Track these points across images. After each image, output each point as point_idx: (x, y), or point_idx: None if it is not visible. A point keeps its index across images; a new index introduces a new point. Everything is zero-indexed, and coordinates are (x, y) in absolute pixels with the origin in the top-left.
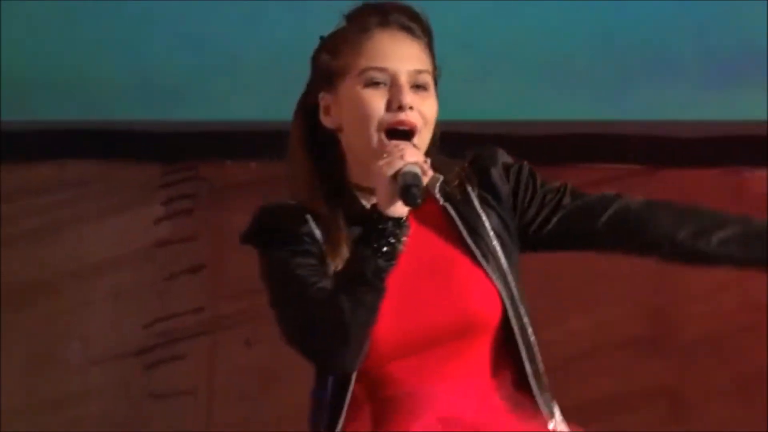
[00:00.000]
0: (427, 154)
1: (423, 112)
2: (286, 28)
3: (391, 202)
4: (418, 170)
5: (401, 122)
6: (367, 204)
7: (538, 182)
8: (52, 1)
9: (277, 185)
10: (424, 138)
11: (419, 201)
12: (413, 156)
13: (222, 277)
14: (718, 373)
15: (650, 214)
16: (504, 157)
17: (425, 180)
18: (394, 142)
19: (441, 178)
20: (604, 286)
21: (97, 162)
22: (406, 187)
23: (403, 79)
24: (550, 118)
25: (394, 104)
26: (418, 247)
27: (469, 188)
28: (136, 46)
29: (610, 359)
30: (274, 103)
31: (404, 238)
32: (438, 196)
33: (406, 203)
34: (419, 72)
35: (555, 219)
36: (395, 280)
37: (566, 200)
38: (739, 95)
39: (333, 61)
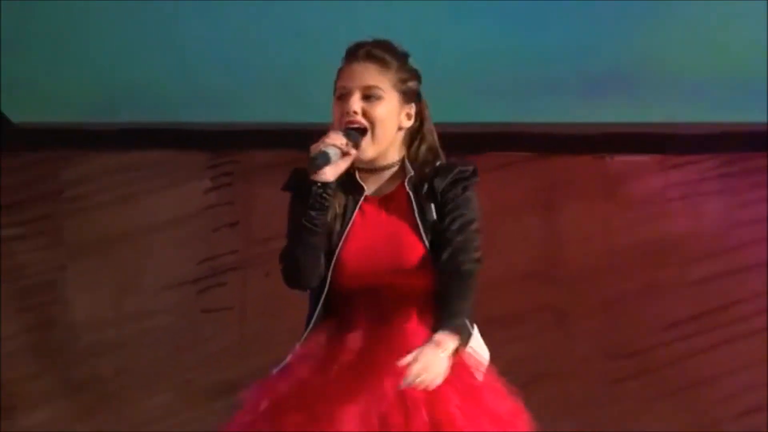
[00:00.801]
0: (417, 149)
1: (370, 114)
2: (293, 60)
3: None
4: (329, 150)
5: (350, 122)
6: (357, 175)
7: (455, 204)
8: (134, 36)
9: (290, 167)
10: (377, 132)
11: (313, 170)
12: (333, 140)
13: (251, 230)
14: (591, 296)
15: (441, 284)
16: (459, 174)
17: (347, 159)
18: (331, 131)
19: (411, 173)
20: (511, 235)
21: (165, 151)
22: (310, 159)
23: (355, 93)
24: (471, 120)
25: (344, 110)
26: (385, 217)
27: (427, 184)
28: (195, 73)
29: (514, 285)
30: (287, 110)
31: (328, 197)
32: (406, 185)
33: (308, 171)
34: (369, 87)
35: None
36: (364, 238)
37: (448, 229)
38: (604, 103)
39: (335, 83)
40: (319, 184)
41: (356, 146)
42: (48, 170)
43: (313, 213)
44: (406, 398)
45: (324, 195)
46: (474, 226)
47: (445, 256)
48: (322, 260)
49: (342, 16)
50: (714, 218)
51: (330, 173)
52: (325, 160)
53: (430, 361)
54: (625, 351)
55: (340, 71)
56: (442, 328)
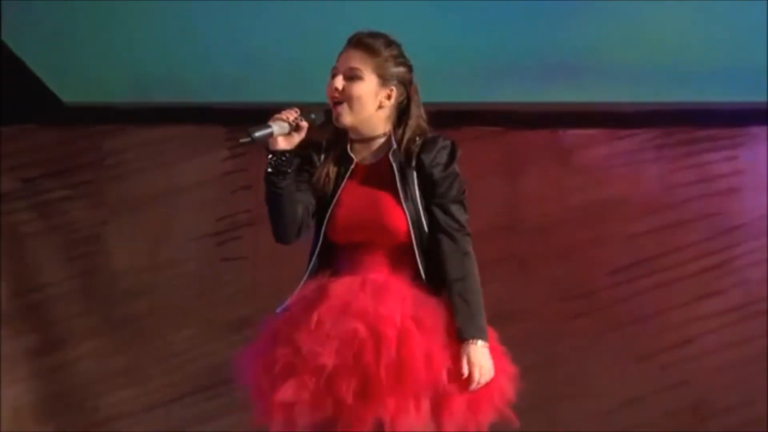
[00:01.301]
0: (404, 127)
1: (348, 92)
2: (296, 51)
3: (272, 142)
4: (275, 124)
5: (332, 98)
6: (350, 146)
7: (440, 184)
8: (175, 28)
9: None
10: (354, 106)
11: (249, 140)
12: (281, 115)
13: (262, 192)
14: (549, 246)
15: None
16: (442, 149)
17: (301, 132)
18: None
19: (394, 146)
20: (482, 196)
21: (190, 126)
22: (248, 131)
23: (340, 73)
24: (449, 100)
25: (331, 87)
26: (370, 182)
27: (414, 157)
28: (215, 60)
29: (483, 238)
30: (292, 91)
31: (284, 163)
32: (390, 156)
33: (256, 141)
34: (351, 69)
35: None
36: (351, 200)
37: (437, 210)
38: (558, 86)
39: None
40: (273, 152)
41: (314, 122)
42: (91, 142)
43: (273, 179)
44: (377, 338)
45: (279, 162)
46: (458, 206)
47: (442, 242)
48: (299, 219)
49: (338, 15)
50: (651, 182)
51: (283, 143)
52: (267, 132)
53: (480, 362)
54: (577, 293)
55: (338, 54)
56: (470, 330)
